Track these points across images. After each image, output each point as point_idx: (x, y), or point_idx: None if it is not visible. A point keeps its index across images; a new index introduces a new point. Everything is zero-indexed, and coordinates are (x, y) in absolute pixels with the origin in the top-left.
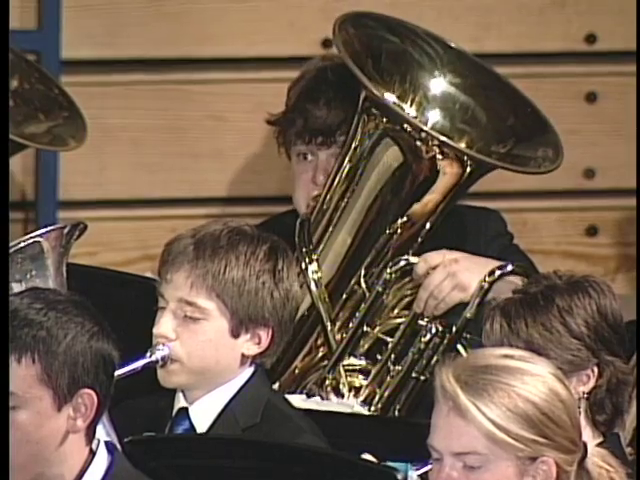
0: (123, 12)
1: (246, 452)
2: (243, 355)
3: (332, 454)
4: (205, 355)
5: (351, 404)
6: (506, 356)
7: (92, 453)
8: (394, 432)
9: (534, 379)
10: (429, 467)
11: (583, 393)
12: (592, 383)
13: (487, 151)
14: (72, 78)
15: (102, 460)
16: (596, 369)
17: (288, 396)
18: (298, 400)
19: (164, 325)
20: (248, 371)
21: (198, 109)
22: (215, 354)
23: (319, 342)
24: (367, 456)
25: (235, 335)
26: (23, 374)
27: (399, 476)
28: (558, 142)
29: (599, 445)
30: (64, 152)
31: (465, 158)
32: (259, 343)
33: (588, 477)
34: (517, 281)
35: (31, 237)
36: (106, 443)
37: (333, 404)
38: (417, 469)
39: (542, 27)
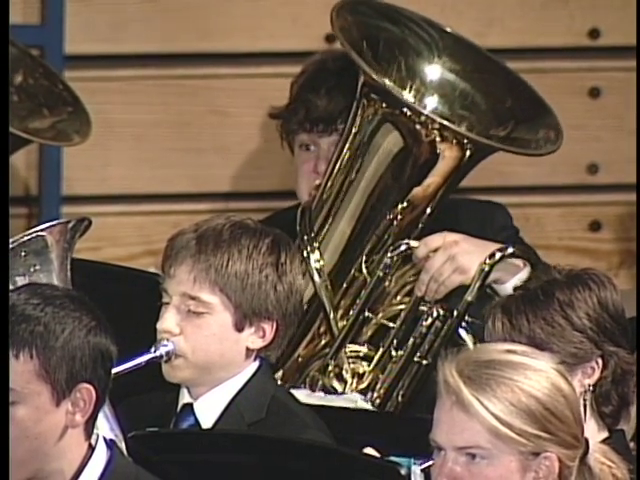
0: (126, 7)
1: (249, 447)
2: (248, 349)
3: (336, 450)
4: (209, 349)
5: (355, 399)
6: (509, 351)
7: (91, 448)
8: (397, 427)
9: (537, 374)
10: (432, 462)
11: (589, 385)
12: (597, 375)
13: (486, 134)
14: (75, 73)
15: (101, 455)
16: (600, 361)
17: (292, 391)
18: (301, 395)
19: (168, 320)
20: (253, 366)
21: (201, 104)
22: (219, 348)
23: (322, 330)
24: (369, 450)
25: (239, 329)
26: (21, 369)
27: (402, 471)
28: (557, 124)
29: (605, 441)
30: (67, 148)
31: (465, 141)
32: (263, 336)
33: (590, 473)
34: (519, 263)
35: (35, 231)
36: (105, 438)
37: (336, 399)
38: (420, 464)
39: (545, 22)
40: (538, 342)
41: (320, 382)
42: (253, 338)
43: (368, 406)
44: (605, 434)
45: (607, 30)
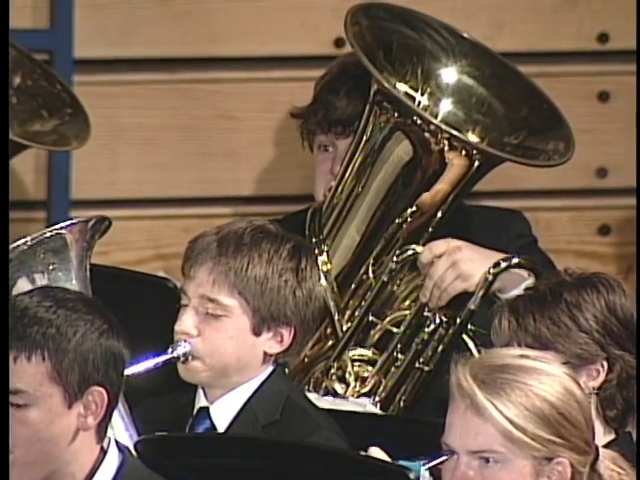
0: (135, 11)
1: (258, 451)
2: (265, 353)
3: (346, 453)
4: (226, 352)
5: (363, 403)
6: (522, 356)
7: (103, 451)
8: (406, 431)
9: (550, 379)
10: (439, 460)
11: (593, 388)
12: (602, 378)
13: (499, 143)
14: (84, 77)
15: (113, 459)
16: (605, 363)
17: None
18: (311, 399)
19: (186, 322)
20: (268, 369)
21: (210, 108)
22: (236, 351)
23: (328, 331)
24: (375, 449)
25: (257, 333)
26: (33, 372)
27: (412, 475)
28: (570, 135)
29: (611, 443)
30: (76, 151)
31: (474, 151)
32: (281, 342)
33: (600, 479)
34: (523, 274)
35: (54, 229)
36: (117, 442)
37: (346, 403)
38: (425, 463)
39: (554, 26)
40: (543, 341)
41: (323, 384)
42: (271, 343)
43: (377, 410)
44: (611, 437)
45: (616, 34)
